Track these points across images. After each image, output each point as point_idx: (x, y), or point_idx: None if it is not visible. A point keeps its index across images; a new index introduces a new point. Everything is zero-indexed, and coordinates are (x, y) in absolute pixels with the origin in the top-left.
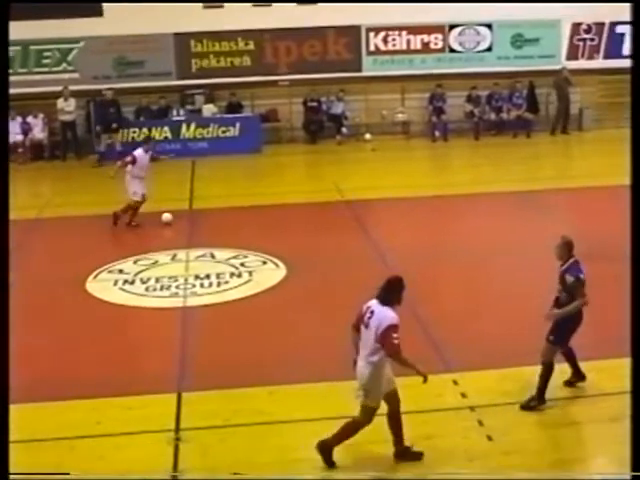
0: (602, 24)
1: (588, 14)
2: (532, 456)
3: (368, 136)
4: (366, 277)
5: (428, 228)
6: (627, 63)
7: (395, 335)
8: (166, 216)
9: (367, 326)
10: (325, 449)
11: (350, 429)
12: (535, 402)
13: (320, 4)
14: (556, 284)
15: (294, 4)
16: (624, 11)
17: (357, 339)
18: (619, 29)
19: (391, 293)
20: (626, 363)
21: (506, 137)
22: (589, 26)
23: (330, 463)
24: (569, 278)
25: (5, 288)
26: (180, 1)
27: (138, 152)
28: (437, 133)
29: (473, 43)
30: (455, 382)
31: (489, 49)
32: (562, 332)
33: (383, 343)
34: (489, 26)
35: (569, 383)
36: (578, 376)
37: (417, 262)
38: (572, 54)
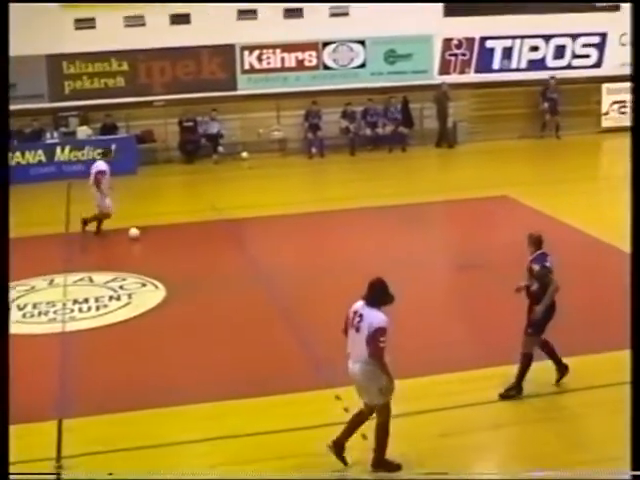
0: (472, 39)
1: (459, 30)
2: (413, 468)
3: (245, 154)
4: (246, 296)
5: (307, 244)
6: (497, 77)
7: (382, 339)
8: (133, 231)
9: (358, 329)
10: (383, 463)
11: (383, 432)
12: (514, 391)
13: (194, 23)
14: (524, 275)
15: (167, 24)
16: (493, 26)
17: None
18: (489, 44)
19: (377, 295)
20: (509, 371)
21: (382, 152)
22: (460, 41)
23: (397, 466)
24: (535, 267)
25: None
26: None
27: (102, 166)
28: (313, 149)
29: (347, 60)
30: (338, 397)
31: (363, 65)
32: (539, 323)
33: (369, 343)
34: (362, 42)
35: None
36: (561, 369)
37: (298, 279)
38: (444, 69)
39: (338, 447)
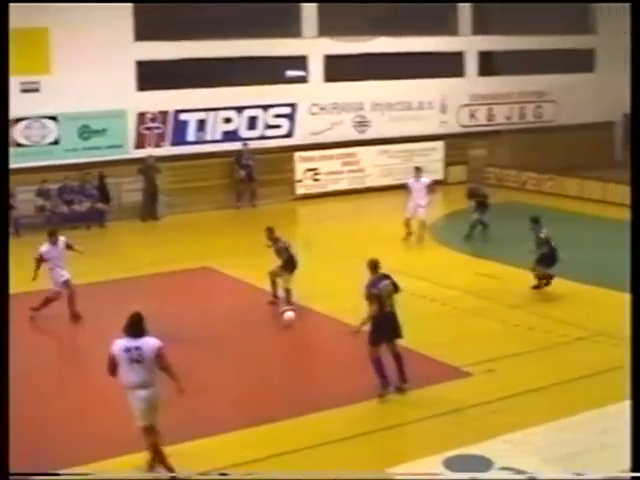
0: (166, 113)
1: (153, 103)
2: None
3: None
4: None
5: None
6: (193, 149)
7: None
8: None
9: (140, 360)
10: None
11: (158, 451)
12: (405, 384)
13: None
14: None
15: None
16: (187, 99)
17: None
18: (183, 117)
19: (141, 326)
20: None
21: (80, 229)
22: (154, 115)
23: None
24: (364, 290)
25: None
26: None
27: (43, 250)
28: (10, 230)
29: (39, 136)
30: None
31: (56, 142)
32: (373, 336)
33: (161, 360)
34: (54, 118)
35: (398, 389)
36: (403, 379)
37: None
38: (140, 143)
39: (159, 460)
